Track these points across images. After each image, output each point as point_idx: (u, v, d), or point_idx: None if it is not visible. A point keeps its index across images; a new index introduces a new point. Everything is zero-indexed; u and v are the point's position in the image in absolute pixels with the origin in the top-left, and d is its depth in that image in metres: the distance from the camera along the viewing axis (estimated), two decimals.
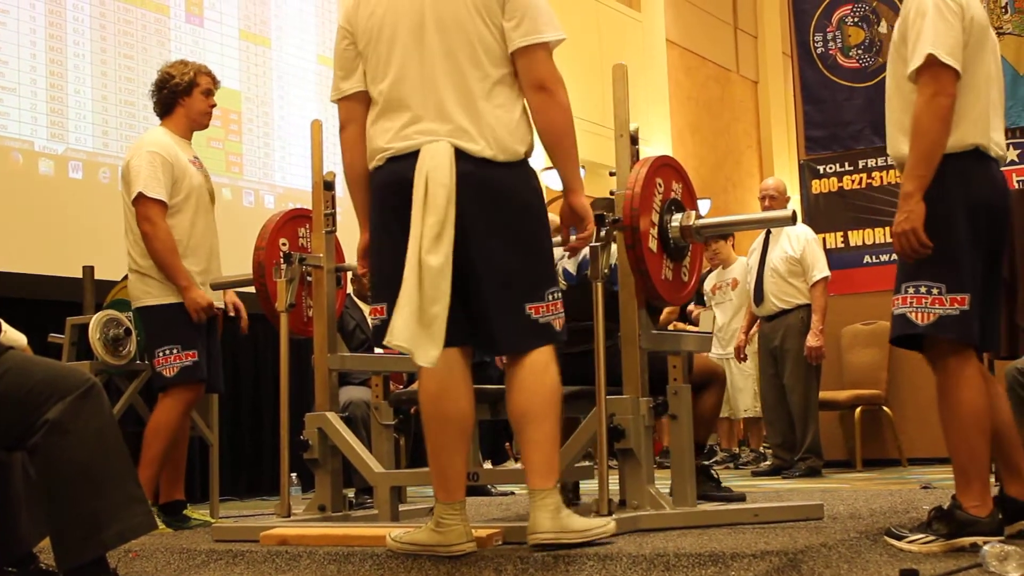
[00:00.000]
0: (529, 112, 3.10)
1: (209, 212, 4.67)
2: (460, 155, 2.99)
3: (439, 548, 2.99)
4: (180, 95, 4.66)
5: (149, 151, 4.51)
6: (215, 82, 4.77)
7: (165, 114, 4.70)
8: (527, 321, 3.02)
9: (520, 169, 3.08)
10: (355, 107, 3.23)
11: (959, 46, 3.08)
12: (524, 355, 3.02)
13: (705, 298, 8.32)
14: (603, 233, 3.42)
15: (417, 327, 2.88)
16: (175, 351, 4.41)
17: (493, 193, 3.02)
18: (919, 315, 3.08)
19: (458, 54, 3.04)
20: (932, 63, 3.06)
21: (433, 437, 3.03)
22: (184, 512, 4.55)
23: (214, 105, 4.76)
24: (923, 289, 3.08)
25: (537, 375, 3.00)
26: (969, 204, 3.08)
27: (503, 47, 3.06)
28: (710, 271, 8.44)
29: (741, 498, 4.41)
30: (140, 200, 4.42)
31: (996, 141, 3.17)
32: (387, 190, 3.09)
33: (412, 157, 3.01)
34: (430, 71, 3.05)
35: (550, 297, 3.06)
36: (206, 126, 4.81)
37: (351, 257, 4.50)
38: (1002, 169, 3.24)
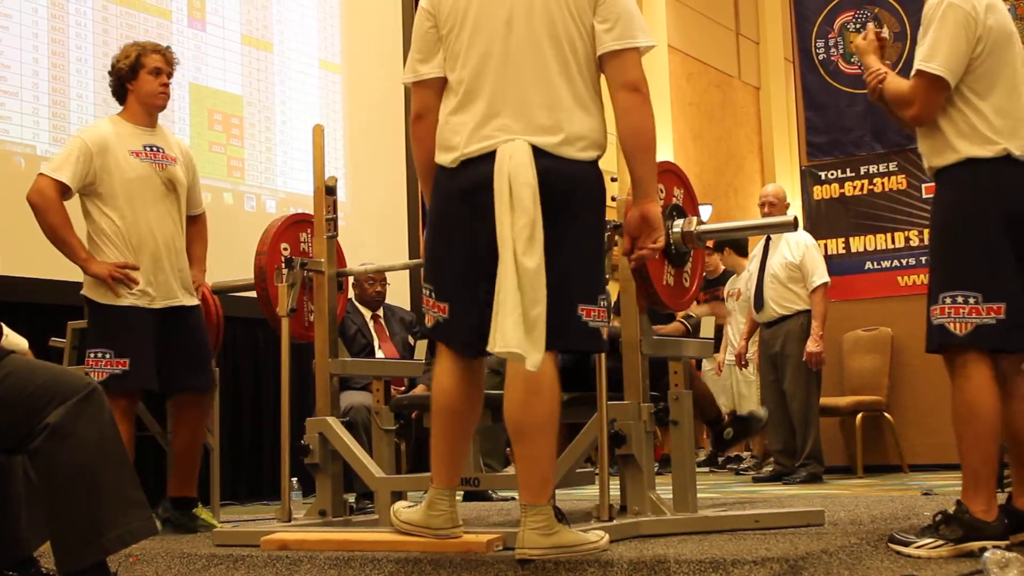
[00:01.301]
0: (611, 115, 3.05)
1: (157, 205, 4.43)
2: (537, 152, 2.95)
3: (427, 530, 3.12)
4: (126, 80, 4.50)
5: (77, 136, 4.48)
6: (167, 60, 4.54)
7: (121, 102, 4.56)
8: (578, 322, 2.97)
9: (593, 168, 3.05)
10: (431, 96, 3.14)
11: (957, 57, 3.12)
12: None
13: (727, 302, 8.28)
14: (604, 238, 3.42)
15: (520, 335, 2.83)
16: (107, 356, 4.28)
17: (568, 189, 2.98)
18: (957, 325, 3.08)
19: (545, 49, 3.01)
20: (920, 73, 3.15)
21: (437, 427, 3.10)
22: (194, 511, 4.51)
23: (166, 83, 4.52)
24: (960, 299, 3.08)
25: (540, 392, 2.92)
26: (1004, 210, 3.09)
27: (589, 47, 3.04)
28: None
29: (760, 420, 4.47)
30: (39, 176, 4.37)
31: None
32: (466, 193, 3.01)
33: (489, 158, 2.97)
34: (515, 63, 3.01)
35: (602, 303, 3.03)
36: (162, 107, 4.57)
37: (353, 262, 4.52)
38: None
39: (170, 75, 4.56)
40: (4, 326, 2.84)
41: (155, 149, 4.51)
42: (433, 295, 3.10)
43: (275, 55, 8.17)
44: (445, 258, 3.09)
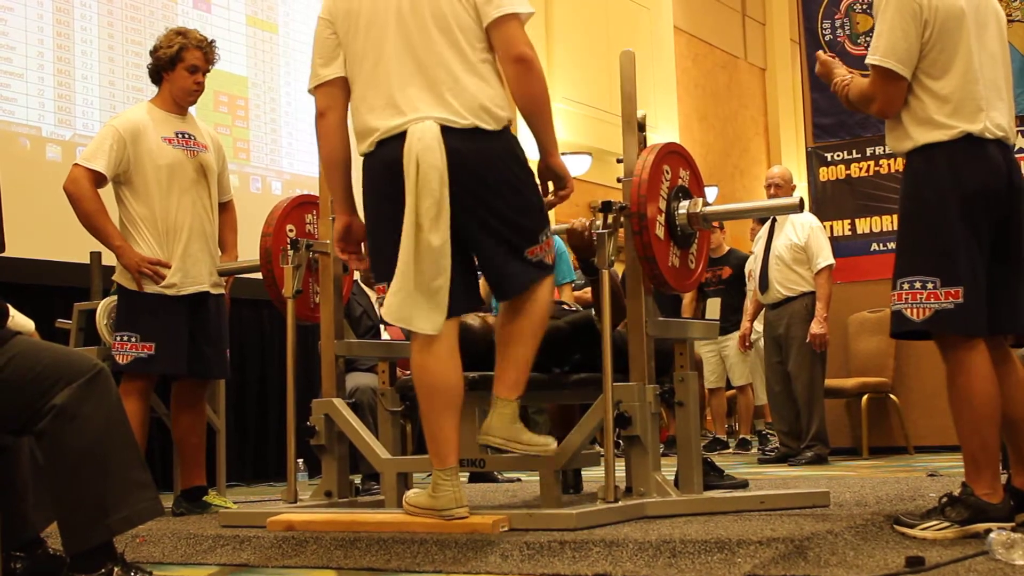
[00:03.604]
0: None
1: (189, 192, 4.48)
2: (447, 131, 3.15)
3: (432, 512, 3.19)
4: (163, 69, 4.51)
5: (109, 124, 4.49)
6: (207, 59, 4.54)
7: (156, 85, 4.57)
8: (528, 264, 3.28)
9: (505, 135, 3.26)
10: (336, 93, 3.38)
11: (905, 45, 3.09)
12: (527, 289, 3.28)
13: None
14: (610, 219, 3.43)
15: (410, 305, 3.12)
16: (132, 339, 4.36)
17: (484, 163, 3.20)
18: (914, 311, 3.07)
19: (436, 35, 3.22)
20: (872, 67, 3.15)
21: (424, 405, 3.23)
22: (204, 499, 4.54)
23: (200, 82, 4.54)
24: (917, 284, 3.07)
25: (533, 302, 3.27)
26: (962, 193, 3.05)
27: (478, 24, 3.23)
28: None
29: (744, 484, 4.41)
30: (74, 166, 4.40)
31: (996, 123, 3.12)
32: (381, 175, 3.25)
33: (400, 139, 3.17)
34: (409, 49, 3.23)
35: (543, 237, 3.31)
36: (192, 103, 4.60)
37: None
38: (1015, 155, 3.18)
39: (206, 72, 4.58)
40: (10, 307, 2.84)
41: (187, 136, 4.55)
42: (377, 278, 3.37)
43: (280, 36, 8.16)
44: (376, 240, 3.33)
